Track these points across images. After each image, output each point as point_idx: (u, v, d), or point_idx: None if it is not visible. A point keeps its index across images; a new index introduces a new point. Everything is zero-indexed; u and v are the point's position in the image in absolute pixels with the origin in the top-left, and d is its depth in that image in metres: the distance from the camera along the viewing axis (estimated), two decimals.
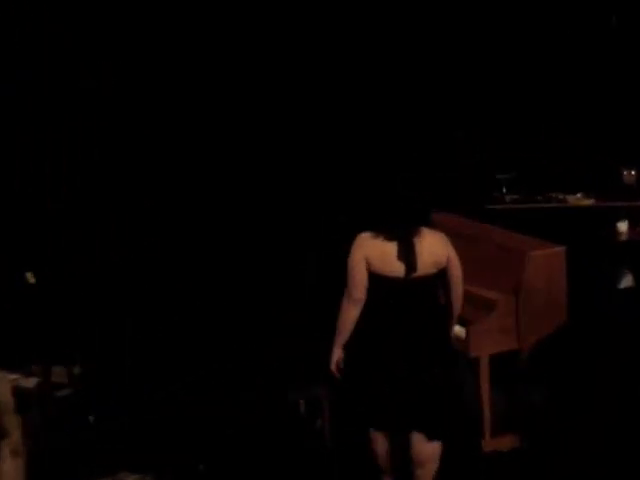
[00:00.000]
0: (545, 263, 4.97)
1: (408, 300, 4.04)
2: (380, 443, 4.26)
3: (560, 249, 5.04)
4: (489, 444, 5.02)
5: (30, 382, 4.74)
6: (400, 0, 7.09)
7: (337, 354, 4.16)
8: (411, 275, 4.01)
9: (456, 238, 5.10)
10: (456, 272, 4.13)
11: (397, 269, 4.00)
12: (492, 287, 5.05)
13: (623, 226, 6.09)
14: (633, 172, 6.51)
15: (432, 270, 4.06)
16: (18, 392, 4.42)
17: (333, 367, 4.17)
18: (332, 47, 7.06)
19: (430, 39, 7.05)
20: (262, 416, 5.26)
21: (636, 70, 6.79)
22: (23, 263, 4.91)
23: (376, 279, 4.03)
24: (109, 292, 6.45)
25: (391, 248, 4.00)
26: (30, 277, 4.71)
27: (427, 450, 4.19)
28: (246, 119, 7.06)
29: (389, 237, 4.00)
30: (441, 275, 4.12)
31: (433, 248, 4.06)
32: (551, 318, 5.01)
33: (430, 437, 4.17)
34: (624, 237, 6.07)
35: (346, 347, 4.15)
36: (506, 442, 5.03)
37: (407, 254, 3.98)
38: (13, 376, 4.67)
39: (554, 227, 5.77)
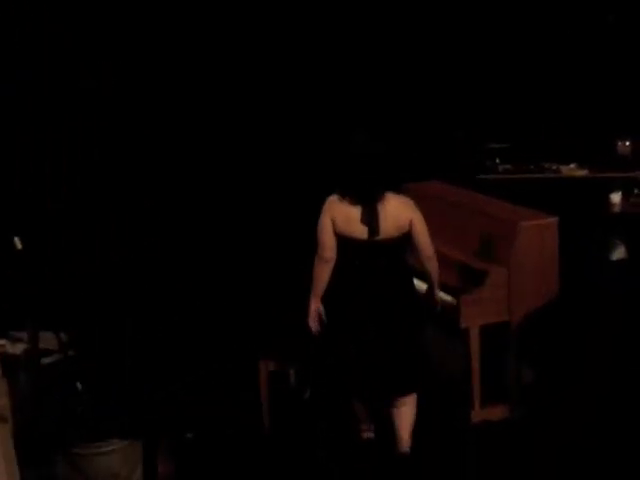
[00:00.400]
0: (537, 234, 4.94)
1: (372, 262, 4.22)
2: (361, 412, 4.68)
3: (552, 220, 5.02)
4: (478, 414, 5.02)
5: (17, 348, 4.77)
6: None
7: (313, 305, 4.39)
8: (374, 238, 4.17)
9: (448, 207, 5.27)
10: (420, 237, 4.24)
11: (360, 232, 4.18)
12: (484, 258, 5.04)
13: (616, 197, 6.06)
14: (627, 143, 6.47)
15: (395, 234, 4.20)
16: (5, 358, 4.46)
17: (311, 320, 4.41)
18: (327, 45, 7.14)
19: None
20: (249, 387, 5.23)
21: (632, 43, 6.78)
22: (10, 229, 4.82)
23: (342, 240, 4.24)
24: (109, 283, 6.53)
25: (355, 212, 4.17)
26: (18, 242, 4.65)
27: (410, 404, 4.49)
28: (242, 119, 7.12)
29: (353, 201, 4.17)
30: (407, 239, 4.26)
31: (396, 212, 4.18)
32: (542, 289, 4.99)
33: (403, 394, 4.42)
34: (617, 208, 6.04)
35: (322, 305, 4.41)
36: (496, 412, 5.03)
37: (370, 218, 4.14)
38: (0, 342, 4.71)
39: (547, 198, 5.74)
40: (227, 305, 6.51)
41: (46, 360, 4.82)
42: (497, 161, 6.60)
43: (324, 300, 4.39)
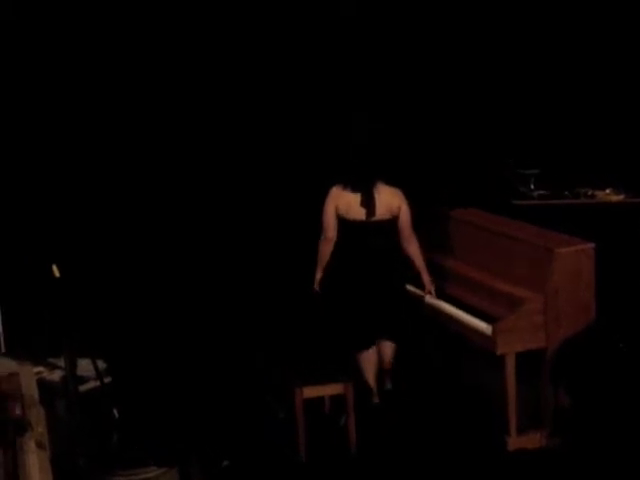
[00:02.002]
0: (573, 260, 4.91)
1: (368, 238, 5.23)
2: (366, 361, 5.42)
3: (589, 246, 4.98)
4: (515, 442, 4.98)
5: (55, 375, 4.75)
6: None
7: (318, 275, 5.42)
8: (370, 219, 5.21)
9: (484, 234, 5.26)
10: (403, 219, 5.26)
11: (359, 214, 5.21)
12: (520, 284, 5.00)
13: None
14: None
15: (387, 216, 5.23)
16: (43, 385, 4.41)
17: (316, 286, 5.45)
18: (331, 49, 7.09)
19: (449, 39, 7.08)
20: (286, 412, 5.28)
21: None
22: (48, 256, 4.85)
23: (344, 222, 5.25)
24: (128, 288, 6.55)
25: (355, 198, 5.20)
26: (55, 270, 4.68)
27: (387, 349, 5.47)
28: (241, 120, 7.11)
29: (354, 190, 5.21)
30: (395, 220, 5.27)
31: (388, 199, 5.21)
32: (579, 316, 4.95)
33: (389, 338, 5.44)
34: None
35: (325, 274, 5.43)
36: (532, 440, 4.99)
37: (367, 202, 5.17)
38: (38, 369, 4.67)
39: (583, 223, 5.68)
40: (261, 330, 6.58)
41: (83, 387, 4.82)
42: (532, 187, 6.57)
43: (328, 269, 5.39)
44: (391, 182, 5.28)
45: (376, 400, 5.48)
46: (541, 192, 6.53)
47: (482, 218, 5.64)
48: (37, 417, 3.97)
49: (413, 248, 5.34)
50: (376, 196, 5.19)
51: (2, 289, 5.27)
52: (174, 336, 6.38)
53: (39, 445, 3.94)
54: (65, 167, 6.66)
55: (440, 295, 5.44)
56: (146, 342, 6.18)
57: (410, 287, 5.64)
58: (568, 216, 6.08)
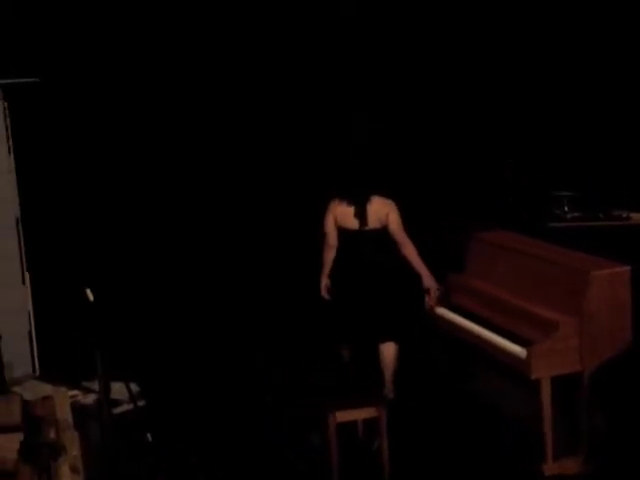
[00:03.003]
0: (609, 283, 4.85)
1: (361, 245, 5.72)
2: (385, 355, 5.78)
3: (624, 269, 4.92)
4: (551, 468, 4.92)
5: (89, 399, 4.85)
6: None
7: (323, 282, 5.90)
8: (363, 228, 5.69)
9: (518, 257, 5.24)
10: (393, 226, 5.68)
11: (353, 224, 5.70)
12: (554, 307, 4.94)
13: None
14: None
15: (378, 225, 5.69)
16: (77, 408, 4.44)
17: (323, 292, 5.90)
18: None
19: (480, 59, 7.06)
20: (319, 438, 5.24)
21: None
22: (83, 280, 4.87)
23: (341, 231, 5.76)
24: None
25: (350, 210, 5.69)
26: (89, 294, 4.69)
27: (386, 351, 5.78)
28: (240, 122, 7.14)
29: (349, 202, 5.69)
30: (386, 229, 5.70)
31: (378, 209, 5.66)
32: (615, 339, 4.88)
33: (387, 339, 5.75)
34: None
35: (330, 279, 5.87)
36: (569, 466, 4.92)
37: (360, 213, 5.65)
38: (72, 392, 4.73)
39: (618, 246, 5.63)
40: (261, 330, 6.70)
41: (117, 410, 4.87)
42: (565, 209, 6.52)
43: (331, 275, 5.85)
44: (385, 193, 5.69)
45: (391, 395, 5.78)
46: (575, 214, 6.49)
47: (515, 240, 5.59)
48: (71, 441, 3.97)
49: (408, 250, 5.72)
50: (368, 207, 5.66)
51: (37, 313, 5.28)
52: (201, 355, 6.41)
53: (73, 469, 3.93)
54: (96, 191, 6.76)
55: (471, 316, 5.41)
56: (179, 364, 6.19)
57: (442, 309, 5.68)
58: (603, 238, 6.03)
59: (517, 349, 4.86)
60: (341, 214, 5.74)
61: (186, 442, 5.23)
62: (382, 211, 5.69)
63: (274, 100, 7.18)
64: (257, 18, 7.16)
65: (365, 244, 5.74)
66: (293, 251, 7.06)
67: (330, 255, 5.86)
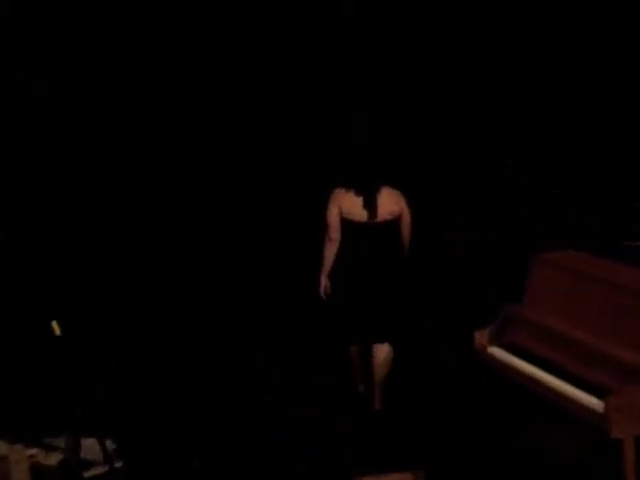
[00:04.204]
0: None
1: (371, 239, 5.40)
2: (356, 357, 5.56)
3: None
4: None
5: (52, 458, 4.25)
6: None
7: (323, 281, 5.54)
8: (372, 220, 5.37)
9: (589, 283, 4.51)
10: (405, 219, 5.48)
11: (362, 216, 5.36)
12: (637, 347, 4.02)
13: None
14: None
15: (388, 217, 5.41)
16: (37, 471, 4.08)
17: (322, 291, 5.54)
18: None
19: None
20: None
21: None
22: (48, 313, 4.14)
23: (347, 223, 5.41)
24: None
25: (358, 200, 5.36)
26: (55, 327, 3.86)
27: (380, 353, 5.50)
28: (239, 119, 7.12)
29: (357, 192, 5.36)
30: (397, 221, 5.47)
31: (389, 201, 5.39)
32: None
33: (384, 340, 5.50)
34: None
35: (329, 277, 5.53)
36: None
37: (370, 204, 5.32)
38: (31, 451, 4.19)
39: None
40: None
41: (88, 474, 4.23)
42: None
43: (334, 273, 5.49)
44: (393, 184, 5.47)
45: (377, 406, 5.55)
46: None
47: (588, 264, 4.69)
48: None
49: (406, 245, 5.56)
50: (378, 198, 5.37)
51: None
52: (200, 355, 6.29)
53: None
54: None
55: (532, 358, 4.54)
56: (161, 416, 5.62)
57: (495, 349, 4.80)
58: None
59: (592, 401, 3.97)
60: (347, 204, 5.40)
61: (188, 446, 5.04)
62: (394, 203, 5.45)
63: (274, 100, 7.13)
64: (257, 18, 7.10)
65: (376, 238, 5.43)
66: (293, 251, 6.94)
67: (332, 250, 5.52)
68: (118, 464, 4.25)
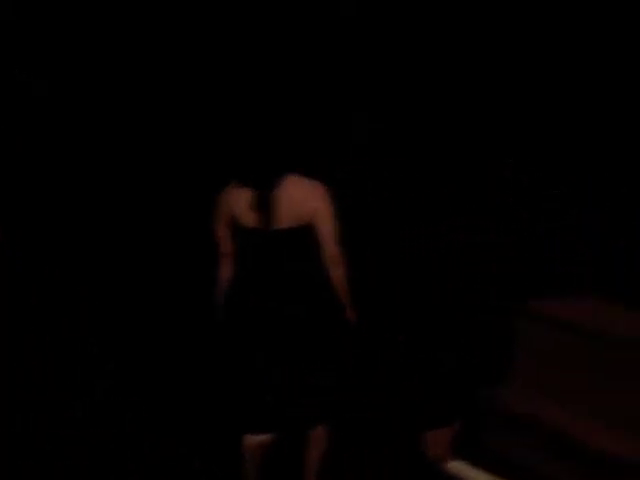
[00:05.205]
0: None
1: (267, 254, 3.69)
2: (253, 452, 3.91)
3: None
4: None
5: None
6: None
7: (218, 303, 3.88)
8: (270, 228, 3.63)
9: (605, 350, 2.87)
10: (324, 230, 3.64)
11: (254, 221, 3.64)
12: None
13: None
14: None
15: (294, 224, 3.64)
16: None
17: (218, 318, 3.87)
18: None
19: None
20: None
21: None
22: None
23: (240, 232, 3.72)
24: None
25: (248, 199, 3.66)
26: None
27: (314, 443, 3.88)
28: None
29: (252, 186, 3.66)
30: (310, 230, 3.67)
31: (297, 198, 3.64)
32: None
33: (316, 424, 3.82)
34: None
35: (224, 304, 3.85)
36: None
37: (263, 205, 3.62)
38: None
39: None
40: None
41: None
42: None
43: (225, 300, 3.84)
44: (310, 173, 3.82)
45: None
46: None
47: (611, 315, 3.02)
48: None
49: (337, 274, 3.69)
50: (279, 195, 3.64)
51: None
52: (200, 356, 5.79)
53: None
54: None
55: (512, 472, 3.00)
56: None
57: (457, 464, 3.14)
58: None
59: None
60: (238, 206, 3.69)
61: (188, 446, 4.79)
62: (305, 203, 3.67)
63: (274, 100, 6.81)
64: (257, 18, 7.00)
65: (274, 254, 3.69)
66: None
67: (223, 269, 3.84)
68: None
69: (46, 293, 5.93)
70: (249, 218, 3.65)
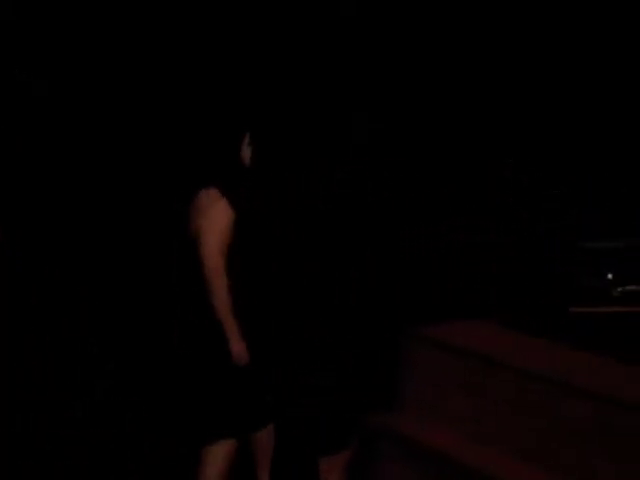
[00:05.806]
0: None
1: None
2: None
3: None
4: None
5: None
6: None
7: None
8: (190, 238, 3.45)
9: (505, 380, 2.78)
10: (201, 249, 3.41)
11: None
12: None
13: None
14: None
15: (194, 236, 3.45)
16: None
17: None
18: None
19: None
20: None
21: None
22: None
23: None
24: None
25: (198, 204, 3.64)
26: None
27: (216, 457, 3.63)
28: None
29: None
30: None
31: (207, 207, 3.50)
32: None
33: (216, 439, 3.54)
34: None
35: None
36: None
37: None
38: None
39: None
40: None
41: None
42: (609, 277, 4.18)
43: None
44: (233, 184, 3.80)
45: None
46: (629, 287, 4.07)
47: (501, 344, 2.91)
48: None
49: (215, 285, 3.52)
50: (200, 203, 3.74)
51: None
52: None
53: None
54: None
55: None
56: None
57: None
58: None
59: None
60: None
61: (188, 446, 4.66)
62: (197, 220, 3.61)
63: (273, 100, 6.92)
64: (257, 18, 7.02)
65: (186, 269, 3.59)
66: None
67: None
68: None
69: (46, 293, 5.92)
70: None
